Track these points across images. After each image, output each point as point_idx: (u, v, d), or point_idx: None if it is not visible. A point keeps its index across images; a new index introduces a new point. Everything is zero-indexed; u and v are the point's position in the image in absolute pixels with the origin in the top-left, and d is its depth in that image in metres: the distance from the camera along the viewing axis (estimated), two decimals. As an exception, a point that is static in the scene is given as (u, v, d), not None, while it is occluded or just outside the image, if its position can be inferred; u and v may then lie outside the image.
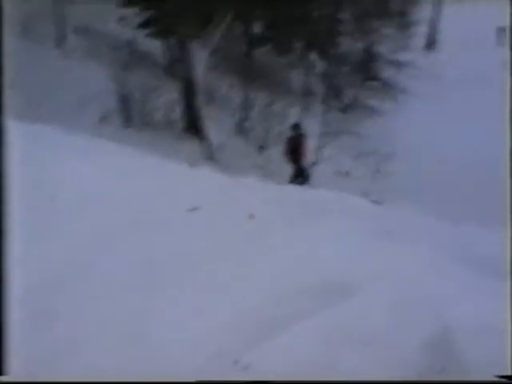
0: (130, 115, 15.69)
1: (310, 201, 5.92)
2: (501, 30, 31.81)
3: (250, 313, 3.55)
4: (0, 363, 3.00)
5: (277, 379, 3.06)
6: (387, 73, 25.24)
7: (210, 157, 16.04)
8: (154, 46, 20.42)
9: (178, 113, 16.58)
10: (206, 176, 6.89)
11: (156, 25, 19.98)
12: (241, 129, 18.44)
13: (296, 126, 14.44)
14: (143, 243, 4.47)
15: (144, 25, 20.53)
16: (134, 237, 4.55)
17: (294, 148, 13.86)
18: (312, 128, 19.16)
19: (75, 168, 5.87)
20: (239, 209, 5.11)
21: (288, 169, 14.31)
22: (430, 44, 31.18)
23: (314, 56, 24.35)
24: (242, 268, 4.09)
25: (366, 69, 24.90)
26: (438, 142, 20.62)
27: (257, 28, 22.14)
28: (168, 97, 16.43)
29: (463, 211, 15.39)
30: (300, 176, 13.84)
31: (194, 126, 16.49)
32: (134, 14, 21.00)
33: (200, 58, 17.42)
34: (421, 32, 29.20)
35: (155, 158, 7.58)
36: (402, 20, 27.04)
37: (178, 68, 17.69)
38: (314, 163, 17.44)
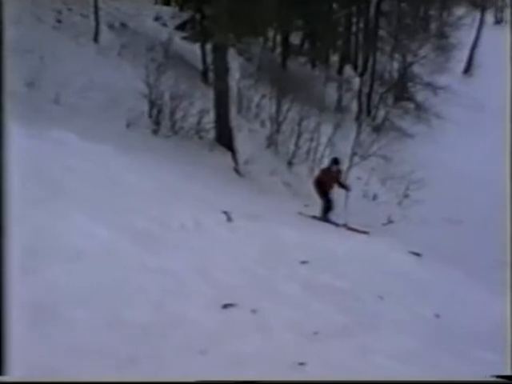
0: (159, 121, 15.22)
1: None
2: None
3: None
4: (0, 363, 2.94)
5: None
6: (422, 95, 24.72)
7: (238, 170, 15.64)
8: (191, 50, 19.98)
9: (208, 121, 16.09)
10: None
11: (194, 28, 19.60)
12: (271, 142, 18.00)
13: (335, 161, 13.97)
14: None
15: (181, 27, 20.18)
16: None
17: (328, 182, 13.51)
18: (342, 147, 18.76)
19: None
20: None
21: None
22: (469, 69, 30.59)
23: (349, 71, 24.00)
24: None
25: (401, 89, 24.41)
26: (470, 172, 20.11)
27: (294, 39, 21.75)
28: (201, 104, 15.97)
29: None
30: (329, 209, 13.48)
31: (224, 137, 16.01)
32: (171, 14, 20.68)
33: (235, 66, 17.06)
34: (460, 56, 28.58)
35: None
36: (442, 42, 26.54)
37: (212, 75, 17.25)
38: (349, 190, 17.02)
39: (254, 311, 4.76)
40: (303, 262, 6.40)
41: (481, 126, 23.65)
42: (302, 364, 3.54)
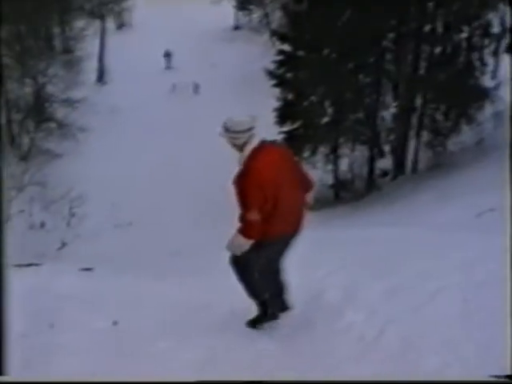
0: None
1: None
2: (167, 54, 33.60)
3: None
4: (0, 363, 2.98)
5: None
6: (62, 112, 24.90)
7: None
8: None
9: None
10: None
11: None
12: None
13: None
14: None
15: None
16: None
17: None
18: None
19: None
20: None
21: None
22: (101, 77, 31.43)
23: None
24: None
25: (40, 111, 24.35)
26: (122, 174, 21.23)
27: None
28: None
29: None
30: None
31: None
32: None
33: None
34: (90, 67, 29.25)
35: None
36: (69, 57, 27.02)
37: None
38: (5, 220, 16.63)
39: None
40: None
41: (118, 128, 24.96)
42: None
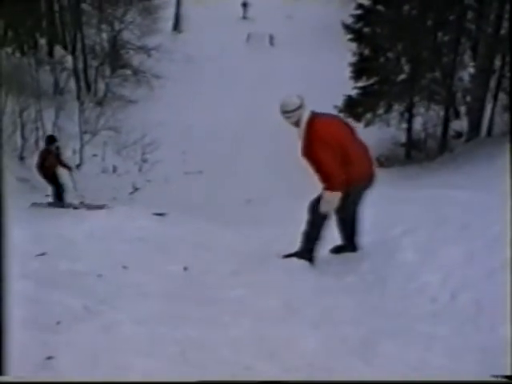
0: None
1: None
2: (244, 4, 33.38)
3: None
4: (0, 363, 2.85)
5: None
6: (137, 59, 25.15)
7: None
8: None
9: None
10: None
11: None
12: (-5, 140, 17.37)
13: (49, 139, 13.75)
14: None
15: None
16: None
17: (50, 163, 13.07)
18: (70, 128, 18.75)
19: None
20: None
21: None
22: (177, 25, 31.53)
23: (60, 51, 23.65)
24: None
25: (115, 58, 24.65)
26: (198, 124, 21.32)
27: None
28: None
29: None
30: (61, 192, 13.21)
31: None
32: None
33: None
34: (167, 15, 29.32)
35: None
36: (147, 4, 27.07)
37: None
38: (77, 165, 17.10)
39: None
40: (39, 255, 5.82)
41: (192, 77, 25.00)
42: (50, 358, 3.25)
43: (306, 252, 5.38)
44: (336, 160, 4.99)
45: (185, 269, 5.77)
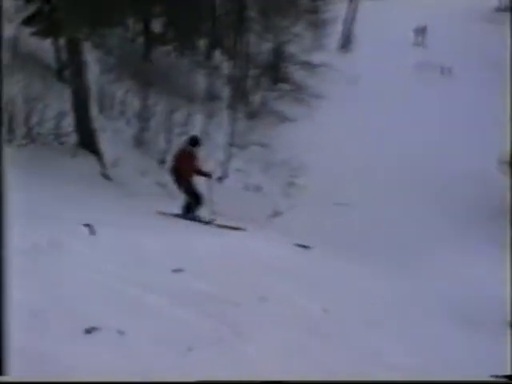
0: (12, 129, 13.25)
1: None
2: (418, 30, 31.25)
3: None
4: (0, 363, 2.90)
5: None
6: (299, 75, 23.76)
7: (105, 175, 14.13)
8: (42, 46, 17.99)
9: (69, 124, 14.39)
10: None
11: (42, 21, 17.60)
12: (139, 141, 16.48)
13: (193, 140, 12.06)
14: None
15: (28, 21, 18.11)
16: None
17: (184, 167, 11.57)
18: (217, 138, 17.66)
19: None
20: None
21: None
22: (345, 44, 29.86)
23: (219, 57, 22.68)
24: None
25: (276, 70, 23.36)
26: (353, 152, 19.32)
27: (156, 26, 20.16)
28: (58, 106, 14.24)
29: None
30: (194, 204, 11.65)
31: (87, 140, 14.37)
32: (16, 8, 18.57)
33: (93, 61, 15.45)
34: (335, 31, 27.79)
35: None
36: (314, 18, 25.56)
37: (68, 73, 15.47)
38: (219, 178, 15.91)
39: (120, 332, 4.38)
40: (175, 271, 6.07)
41: (355, 101, 23.01)
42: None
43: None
44: None
45: (324, 310, 5.76)
